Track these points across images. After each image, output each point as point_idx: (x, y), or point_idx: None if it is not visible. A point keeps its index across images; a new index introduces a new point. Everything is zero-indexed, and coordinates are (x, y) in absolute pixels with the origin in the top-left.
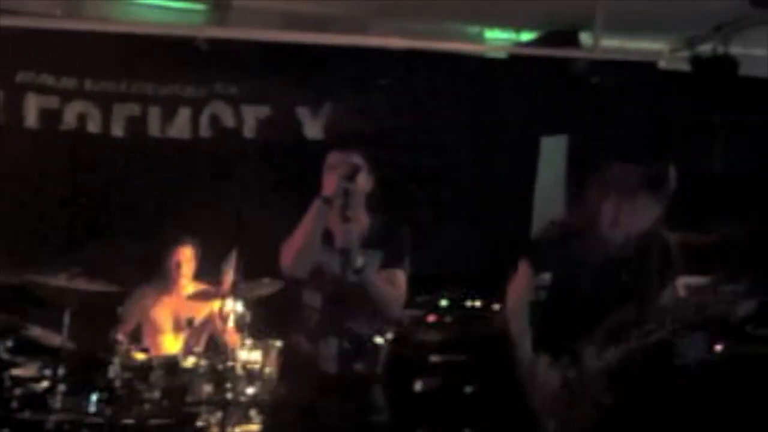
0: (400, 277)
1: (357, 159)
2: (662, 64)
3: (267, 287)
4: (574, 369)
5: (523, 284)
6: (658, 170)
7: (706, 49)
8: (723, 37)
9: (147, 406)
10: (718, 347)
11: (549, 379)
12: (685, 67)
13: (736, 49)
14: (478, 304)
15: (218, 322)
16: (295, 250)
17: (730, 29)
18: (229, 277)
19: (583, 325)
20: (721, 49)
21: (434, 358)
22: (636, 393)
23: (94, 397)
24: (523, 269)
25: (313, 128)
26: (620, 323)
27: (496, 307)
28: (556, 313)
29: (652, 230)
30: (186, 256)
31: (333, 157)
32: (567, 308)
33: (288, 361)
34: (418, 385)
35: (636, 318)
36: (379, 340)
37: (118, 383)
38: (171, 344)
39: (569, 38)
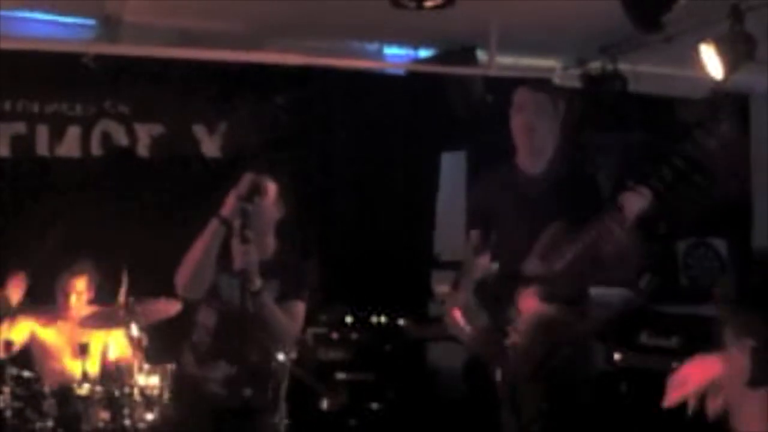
0: (298, 308)
1: (267, 183)
2: (556, 81)
3: (164, 307)
4: None
5: None
6: None
7: (596, 66)
8: (611, 56)
9: None
10: (617, 357)
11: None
12: (577, 84)
13: (624, 67)
14: (383, 320)
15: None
16: (189, 270)
17: (617, 48)
18: (122, 299)
19: None
20: (610, 67)
21: (340, 376)
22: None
23: None
24: None
25: (210, 147)
26: None
27: (401, 322)
28: None
29: None
30: (79, 279)
31: (244, 179)
32: None
33: (178, 385)
34: (323, 404)
35: None
36: (274, 364)
37: (9, 413)
38: (64, 372)
39: (467, 56)
